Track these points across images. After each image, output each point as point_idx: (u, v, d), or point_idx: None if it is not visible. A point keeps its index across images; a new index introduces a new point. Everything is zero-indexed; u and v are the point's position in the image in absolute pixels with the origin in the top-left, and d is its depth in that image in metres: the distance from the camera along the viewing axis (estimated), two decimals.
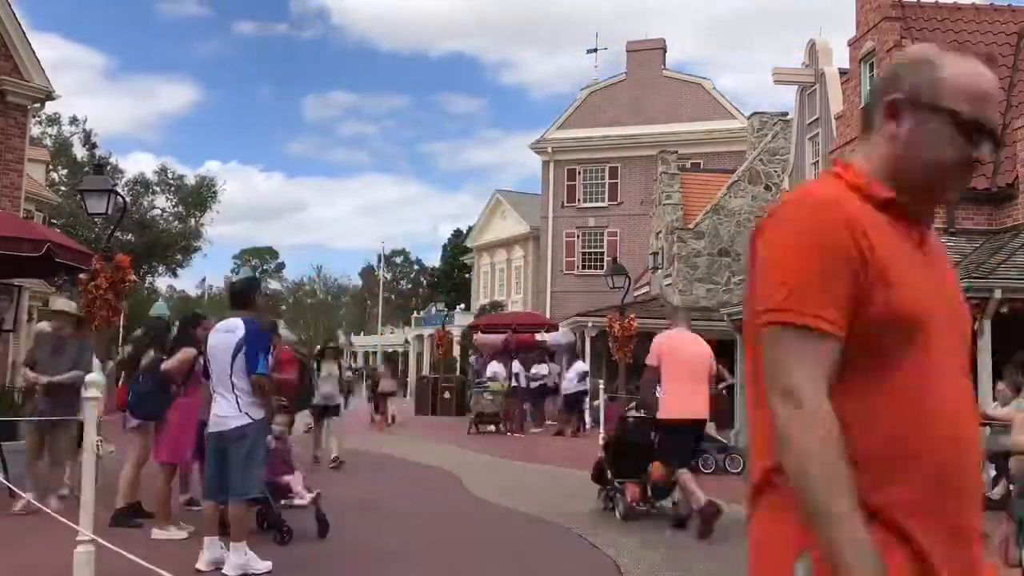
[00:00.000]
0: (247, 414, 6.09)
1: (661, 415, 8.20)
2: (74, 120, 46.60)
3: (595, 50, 40.81)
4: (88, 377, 5.90)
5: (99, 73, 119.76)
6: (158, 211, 48.96)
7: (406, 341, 52.09)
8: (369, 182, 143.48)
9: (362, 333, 66.99)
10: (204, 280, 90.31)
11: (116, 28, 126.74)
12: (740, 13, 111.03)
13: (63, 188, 41.27)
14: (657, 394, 8.32)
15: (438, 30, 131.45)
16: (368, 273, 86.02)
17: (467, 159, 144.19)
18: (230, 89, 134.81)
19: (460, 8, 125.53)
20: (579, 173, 35.31)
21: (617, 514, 8.81)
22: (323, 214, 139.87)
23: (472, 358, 24.04)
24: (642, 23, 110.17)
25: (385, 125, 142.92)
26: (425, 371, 38.53)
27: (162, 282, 62.26)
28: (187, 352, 7.50)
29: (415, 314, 55.06)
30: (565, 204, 35.10)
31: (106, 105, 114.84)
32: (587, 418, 20.89)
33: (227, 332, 6.25)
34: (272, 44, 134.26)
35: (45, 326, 16.53)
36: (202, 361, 6.82)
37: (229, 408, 6.09)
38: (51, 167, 40.77)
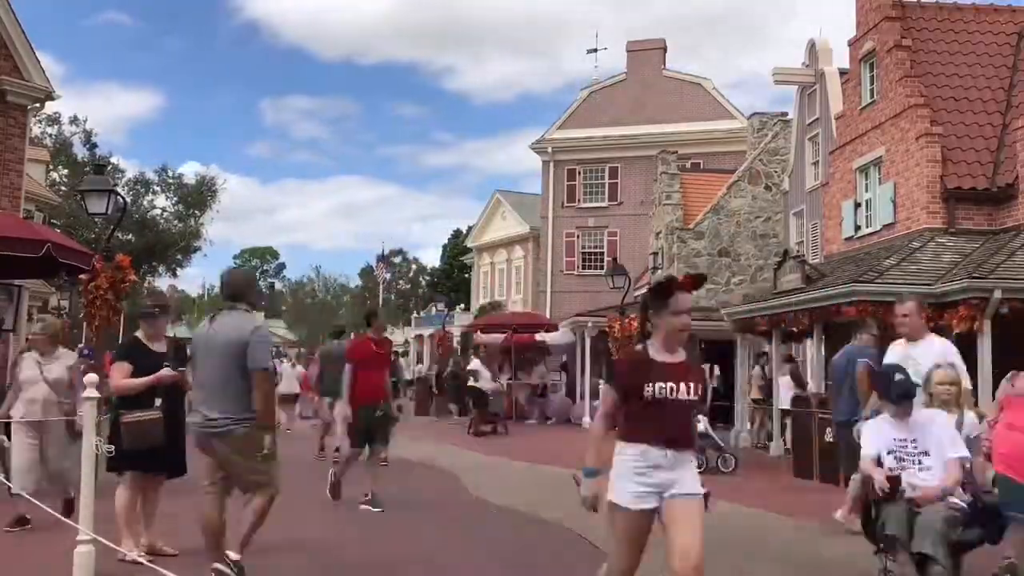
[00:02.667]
0: None
1: None
2: (74, 120, 46.62)
3: (595, 50, 40.88)
4: (88, 378, 5.90)
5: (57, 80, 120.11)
6: (158, 211, 49.02)
7: (406, 341, 52.11)
8: (341, 183, 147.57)
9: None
10: (204, 282, 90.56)
11: (51, 37, 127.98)
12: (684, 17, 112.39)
13: (63, 188, 41.26)
14: None
15: (378, 38, 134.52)
16: (368, 273, 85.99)
17: (426, 161, 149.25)
18: (187, 96, 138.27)
19: (390, 16, 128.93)
20: (579, 173, 35.29)
21: None
22: (298, 215, 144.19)
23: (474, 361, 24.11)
24: (580, 28, 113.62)
25: (345, 128, 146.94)
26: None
27: (162, 282, 62.32)
28: None
29: (415, 314, 55.07)
30: (565, 204, 35.09)
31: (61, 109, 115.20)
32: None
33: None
34: (212, 55, 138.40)
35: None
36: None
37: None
38: (51, 167, 40.76)
